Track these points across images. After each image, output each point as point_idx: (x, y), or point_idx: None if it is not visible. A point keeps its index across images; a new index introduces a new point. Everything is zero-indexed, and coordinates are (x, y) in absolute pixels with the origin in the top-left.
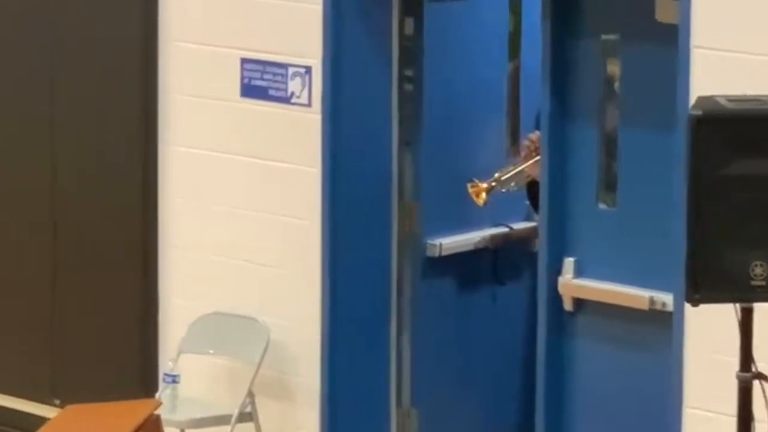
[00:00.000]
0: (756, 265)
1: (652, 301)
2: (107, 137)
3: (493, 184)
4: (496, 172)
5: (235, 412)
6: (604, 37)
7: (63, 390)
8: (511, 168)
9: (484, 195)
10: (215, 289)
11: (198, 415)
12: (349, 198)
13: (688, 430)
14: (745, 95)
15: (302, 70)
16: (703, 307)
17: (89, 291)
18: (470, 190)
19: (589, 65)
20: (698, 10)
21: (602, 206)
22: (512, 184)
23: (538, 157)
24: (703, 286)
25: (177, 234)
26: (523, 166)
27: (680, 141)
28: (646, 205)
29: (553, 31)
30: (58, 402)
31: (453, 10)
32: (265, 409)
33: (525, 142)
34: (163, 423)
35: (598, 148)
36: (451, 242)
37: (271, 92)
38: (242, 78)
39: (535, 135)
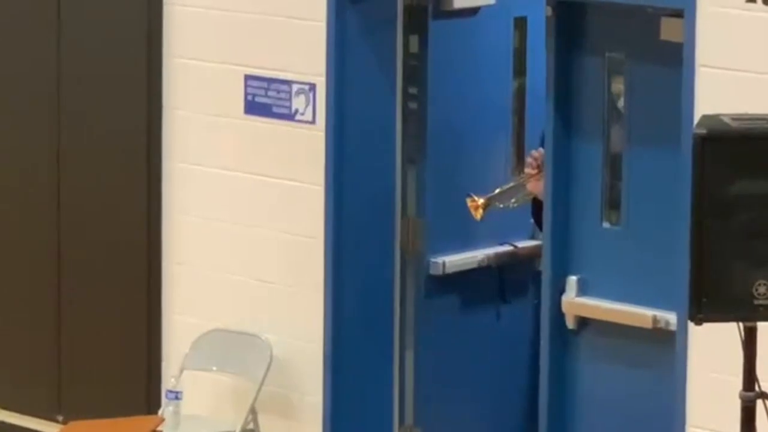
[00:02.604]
0: (760, 284)
1: (655, 319)
2: (111, 153)
3: (491, 199)
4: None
5: (238, 429)
6: (609, 55)
7: (66, 407)
8: (510, 184)
9: (481, 210)
10: (218, 306)
11: None
12: (353, 215)
13: None
14: (749, 114)
15: (306, 87)
16: (706, 326)
17: (93, 308)
18: (468, 204)
19: (593, 83)
20: (703, 29)
21: (606, 225)
22: (512, 200)
23: (538, 173)
24: (706, 305)
25: (180, 251)
26: (520, 182)
27: (685, 160)
28: (650, 224)
29: (557, 49)
30: (61, 419)
31: (458, 27)
32: (267, 426)
33: (528, 159)
34: None
35: (602, 166)
36: (455, 260)
37: (275, 109)
38: (246, 95)
39: (538, 152)
